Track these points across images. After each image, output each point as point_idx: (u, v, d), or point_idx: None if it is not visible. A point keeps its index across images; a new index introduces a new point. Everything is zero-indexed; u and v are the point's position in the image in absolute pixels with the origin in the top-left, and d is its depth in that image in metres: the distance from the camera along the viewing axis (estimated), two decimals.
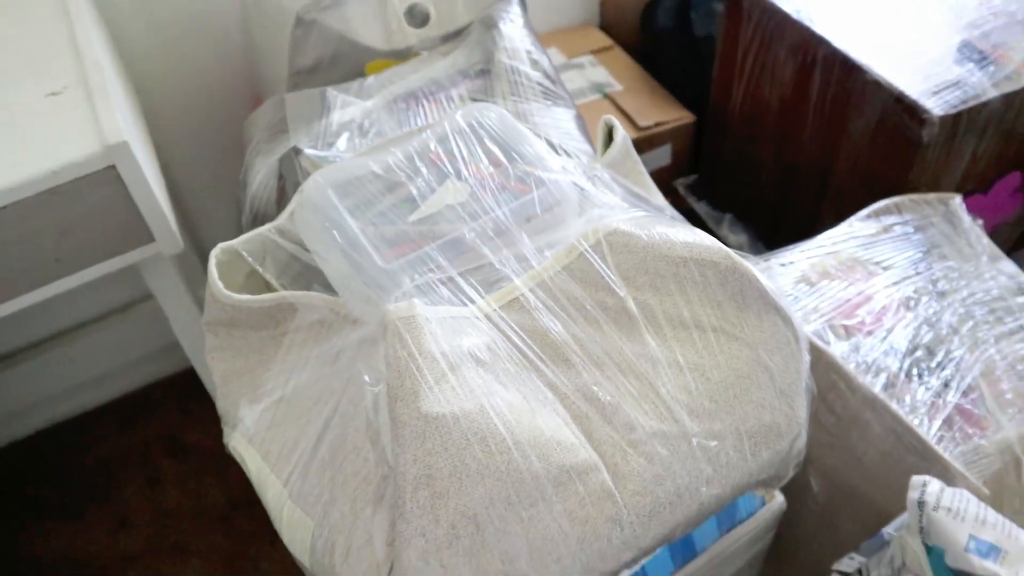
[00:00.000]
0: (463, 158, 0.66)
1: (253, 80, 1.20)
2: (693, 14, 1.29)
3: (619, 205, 0.63)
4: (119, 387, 1.58)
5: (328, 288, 0.61)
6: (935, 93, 0.91)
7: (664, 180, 1.38)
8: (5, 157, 0.72)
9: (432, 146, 0.66)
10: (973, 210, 1.05)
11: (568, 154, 0.69)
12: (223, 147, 1.30)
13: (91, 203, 0.74)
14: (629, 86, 1.37)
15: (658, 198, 0.75)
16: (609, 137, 0.71)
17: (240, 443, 0.61)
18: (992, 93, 0.92)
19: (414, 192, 0.64)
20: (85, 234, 0.76)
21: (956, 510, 0.63)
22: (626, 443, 0.51)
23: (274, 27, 1.00)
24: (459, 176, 0.65)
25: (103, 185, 0.73)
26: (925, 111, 0.89)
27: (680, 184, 1.36)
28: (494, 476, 0.48)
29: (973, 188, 1.03)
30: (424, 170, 0.65)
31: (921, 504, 0.64)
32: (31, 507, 1.46)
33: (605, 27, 1.52)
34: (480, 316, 0.55)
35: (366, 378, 0.52)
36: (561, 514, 0.49)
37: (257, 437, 0.61)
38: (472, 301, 0.56)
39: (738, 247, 1.26)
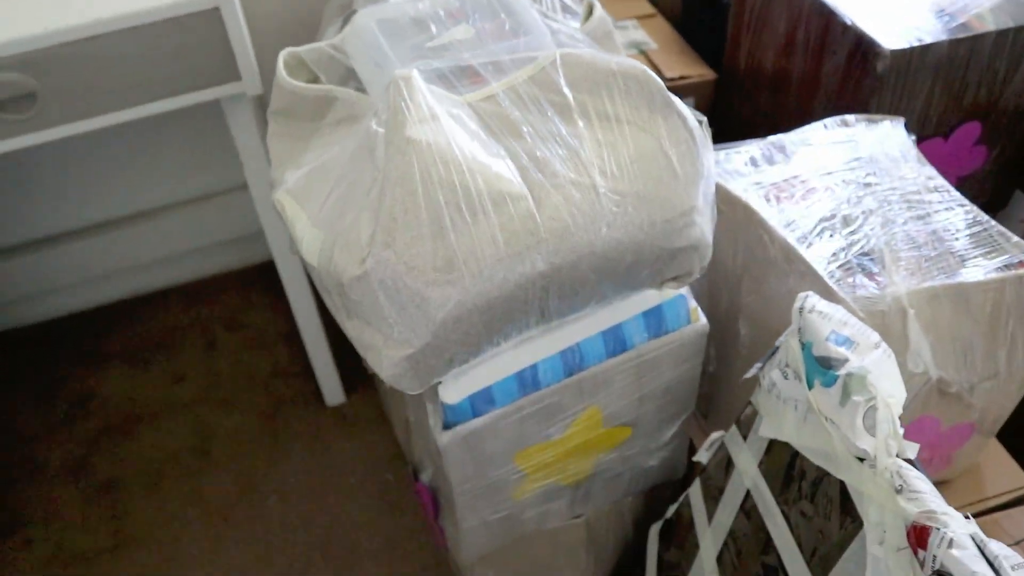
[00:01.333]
0: (473, 12, 0.87)
1: None
2: None
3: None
4: (192, 271, 1.82)
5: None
6: (893, 35, 1.08)
7: None
8: None
9: (455, 3, 0.88)
10: (934, 153, 1.21)
11: (554, 18, 0.89)
12: (305, 26, 1.49)
13: (199, 37, 0.97)
14: (663, 46, 1.56)
15: None
16: (591, 14, 0.91)
17: (283, 195, 0.83)
18: (942, 37, 1.08)
19: (434, 30, 0.85)
20: (191, 61, 0.99)
21: (825, 313, 0.80)
22: (550, 185, 0.71)
23: None
24: (469, 22, 0.86)
25: (210, 23, 0.97)
26: (880, 46, 1.06)
27: None
28: (449, 187, 0.68)
29: (933, 132, 1.19)
30: (444, 16, 0.86)
31: (800, 310, 0.81)
32: (104, 358, 1.71)
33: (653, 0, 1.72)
34: (463, 103, 0.76)
35: (373, 123, 0.73)
36: (495, 224, 0.69)
37: (294, 190, 0.82)
38: (459, 94, 0.77)
39: None
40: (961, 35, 1.08)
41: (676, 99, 0.76)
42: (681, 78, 1.49)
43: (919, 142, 1.18)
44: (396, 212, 0.67)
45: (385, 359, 0.72)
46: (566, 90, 0.75)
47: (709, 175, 0.78)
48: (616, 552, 1.17)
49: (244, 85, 1.03)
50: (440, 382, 0.80)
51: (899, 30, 1.09)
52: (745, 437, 0.91)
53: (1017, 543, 1.04)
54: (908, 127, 1.12)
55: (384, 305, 0.69)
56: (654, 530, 1.09)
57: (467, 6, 0.87)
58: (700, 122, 0.84)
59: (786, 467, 0.85)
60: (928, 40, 1.07)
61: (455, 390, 0.80)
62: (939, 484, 1.10)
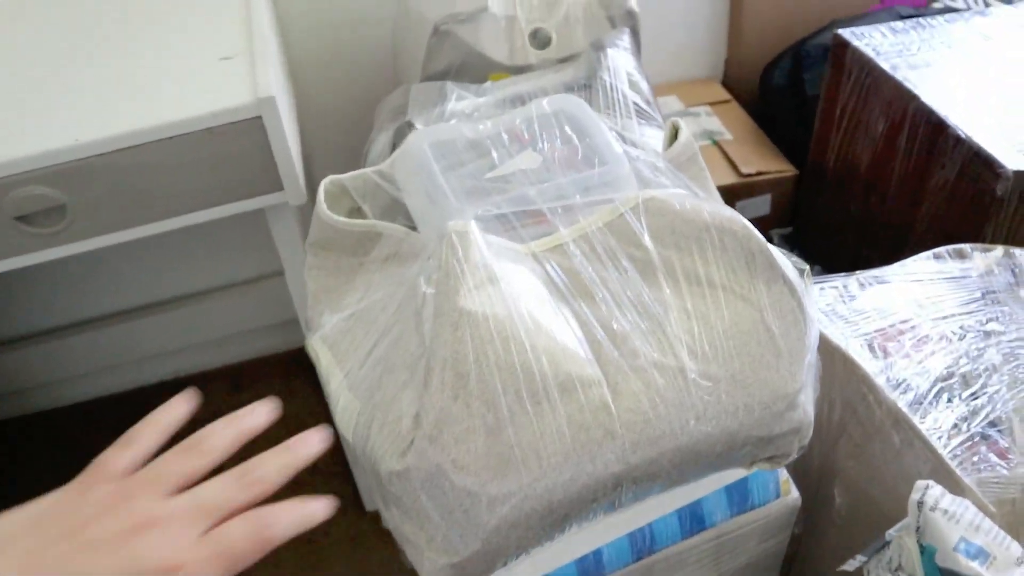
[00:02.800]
0: (541, 136, 0.76)
1: (395, 78, 1.35)
2: (806, 75, 1.37)
3: (668, 187, 0.72)
4: (234, 354, 1.74)
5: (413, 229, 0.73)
6: (1014, 151, 0.95)
7: (762, 229, 1.43)
8: (180, 102, 0.87)
9: (518, 122, 0.77)
10: None
11: (636, 146, 0.78)
12: (358, 127, 1.45)
13: (239, 147, 0.89)
14: (739, 136, 1.45)
15: (716, 198, 0.82)
16: (675, 138, 0.80)
17: (317, 343, 0.73)
18: None
19: (495, 156, 0.75)
20: (230, 172, 0.90)
21: (952, 513, 0.67)
22: (629, 367, 0.59)
23: (416, 34, 1.15)
24: (535, 149, 0.75)
25: (250, 133, 0.88)
26: (1000, 165, 0.93)
27: (775, 234, 1.42)
28: (509, 370, 0.57)
29: None
30: (507, 140, 0.76)
31: (920, 504, 0.68)
32: None
33: (727, 84, 1.61)
34: (527, 253, 0.65)
35: (421, 279, 0.62)
36: (562, 415, 0.57)
37: (330, 339, 0.72)
38: (523, 241, 0.66)
39: None
40: None
41: (780, 258, 0.64)
42: (759, 173, 1.37)
43: None
44: (444, 399, 0.56)
45: (427, 562, 0.60)
46: (649, 243, 0.64)
47: (814, 343, 0.66)
48: None
49: (287, 195, 0.94)
50: None
51: (1017, 143, 0.96)
52: None
53: None
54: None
55: (427, 507, 0.58)
56: None
57: (534, 127, 0.77)
58: (802, 271, 0.72)
59: None
60: None
61: None
62: None
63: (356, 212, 0.77)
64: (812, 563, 0.93)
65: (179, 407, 0.44)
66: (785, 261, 0.64)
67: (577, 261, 0.64)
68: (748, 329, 0.61)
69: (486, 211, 0.66)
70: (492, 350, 0.57)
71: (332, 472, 1.54)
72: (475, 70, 1.12)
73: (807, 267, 0.72)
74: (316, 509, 0.39)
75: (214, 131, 0.87)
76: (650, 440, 0.59)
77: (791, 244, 1.40)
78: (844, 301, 0.89)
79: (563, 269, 0.64)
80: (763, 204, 1.41)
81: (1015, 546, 0.66)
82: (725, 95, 1.56)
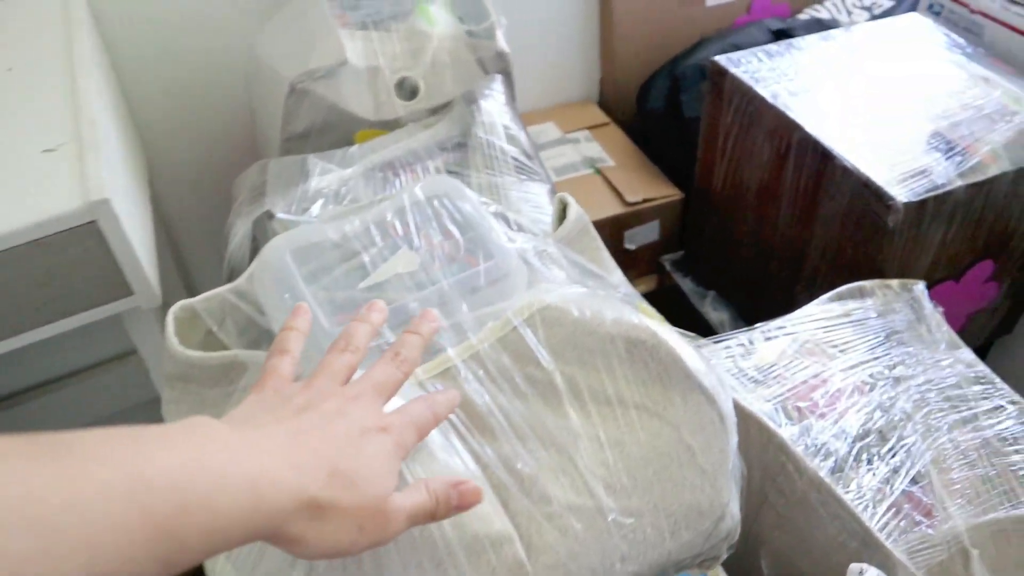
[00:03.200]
0: (417, 229, 0.68)
1: (255, 141, 1.24)
2: (683, 96, 1.33)
3: (564, 281, 0.65)
4: None
5: None
6: (902, 181, 0.94)
7: (652, 256, 1.40)
8: None
9: (389, 217, 0.69)
10: (946, 297, 1.06)
11: (522, 229, 0.72)
12: (224, 204, 1.35)
13: (73, 256, 0.78)
14: (621, 162, 1.41)
15: (615, 275, 0.77)
16: (564, 214, 0.73)
17: None
18: (958, 183, 0.93)
19: (366, 260, 0.66)
20: (66, 285, 0.79)
21: None
22: (542, 516, 0.52)
23: (271, 94, 1.05)
24: (411, 247, 0.67)
25: (85, 239, 0.77)
26: (891, 198, 0.91)
27: (667, 260, 1.38)
28: (407, 542, 0.49)
29: (944, 275, 1.05)
30: (379, 240, 0.68)
31: None
32: None
33: (604, 105, 1.56)
34: (412, 384, 0.57)
35: None
36: None
37: None
38: None
39: (719, 323, 1.27)
40: (978, 179, 0.94)
41: (693, 362, 0.58)
42: (645, 201, 1.33)
43: (931, 287, 1.04)
44: None
45: None
46: (547, 361, 0.57)
47: (735, 446, 0.61)
48: None
49: (138, 299, 0.83)
50: None
51: (906, 174, 0.95)
52: None
53: None
54: (919, 275, 0.97)
55: None
56: None
57: (408, 219, 0.69)
58: (696, 341, 0.67)
59: None
60: (943, 187, 0.93)
61: None
62: None
63: (215, 335, 0.67)
64: None
65: (302, 316, 0.55)
66: (698, 363, 0.59)
67: (470, 387, 0.57)
68: (667, 451, 0.56)
69: None
70: None
71: None
72: (339, 129, 1.03)
73: (701, 339, 0.67)
74: (455, 395, 0.53)
75: (41, 243, 0.76)
76: None
77: (683, 269, 1.37)
78: (748, 357, 0.85)
79: None
80: (652, 231, 1.37)
81: None
82: (603, 117, 1.52)
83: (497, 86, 1.01)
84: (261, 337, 0.66)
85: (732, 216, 1.21)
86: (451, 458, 0.54)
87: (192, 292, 1.42)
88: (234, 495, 0.38)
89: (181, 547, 0.36)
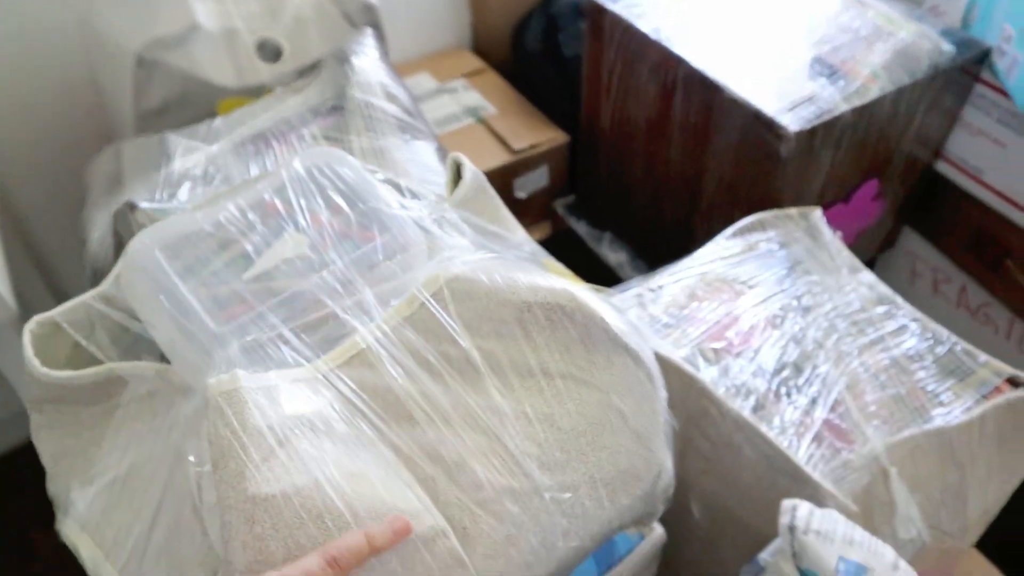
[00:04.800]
0: (301, 208, 0.62)
1: (104, 123, 1.13)
2: (561, 36, 1.29)
3: (467, 247, 0.61)
4: None
5: (162, 357, 0.57)
6: (791, 109, 0.93)
7: (543, 202, 1.37)
8: None
9: (267, 196, 0.63)
10: (836, 219, 1.07)
11: (415, 195, 0.67)
12: (82, 194, 1.24)
13: None
14: (503, 108, 1.36)
15: (517, 233, 0.73)
16: (458, 175, 0.68)
17: (72, 530, 0.56)
18: (843, 107, 0.93)
19: (249, 248, 0.60)
20: None
21: (825, 533, 0.63)
22: (474, 503, 0.49)
23: (116, 68, 0.95)
24: (297, 227, 0.61)
25: None
26: (782, 127, 0.91)
27: (559, 205, 1.36)
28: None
29: (834, 198, 1.05)
30: (259, 224, 0.61)
31: (792, 529, 0.63)
32: None
33: (478, 50, 1.51)
34: (317, 376, 0.52)
35: (191, 458, 0.48)
36: None
37: (91, 523, 0.56)
38: (308, 360, 0.53)
39: (618, 265, 1.26)
40: (862, 101, 0.94)
41: (615, 320, 0.55)
42: (532, 147, 1.30)
43: (823, 210, 1.05)
44: None
45: None
46: (462, 337, 0.53)
47: (665, 402, 0.58)
48: None
49: None
50: None
51: (794, 101, 0.94)
52: None
53: None
54: (812, 199, 0.98)
55: None
56: None
57: (289, 195, 0.63)
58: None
59: None
60: (830, 113, 0.92)
61: None
62: None
63: (84, 348, 0.60)
64: (685, 570, 0.89)
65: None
66: (619, 321, 0.56)
67: (381, 373, 0.52)
68: (598, 418, 0.53)
69: (256, 336, 0.53)
70: (304, 535, 0.45)
71: None
72: (199, 100, 0.94)
73: (608, 290, 0.65)
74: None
75: None
76: None
77: (576, 213, 1.34)
78: (657, 302, 0.83)
79: (366, 388, 0.52)
80: (541, 177, 1.34)
81: (888, 551, 0.63)
82: (479, 63, 1.46)
83: (369, 41, 0.94)
84: (138, 345, 0.59)
85: (622, 156, 1.18)
86: (371, 458, 0.49)
87: (61, 297, 1.30)
88: None
89: None
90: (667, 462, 0.58)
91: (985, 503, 0.81)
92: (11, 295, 0.75)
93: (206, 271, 0.59)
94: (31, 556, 1.39)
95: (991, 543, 0.96)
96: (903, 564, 0.63)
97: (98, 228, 0.77)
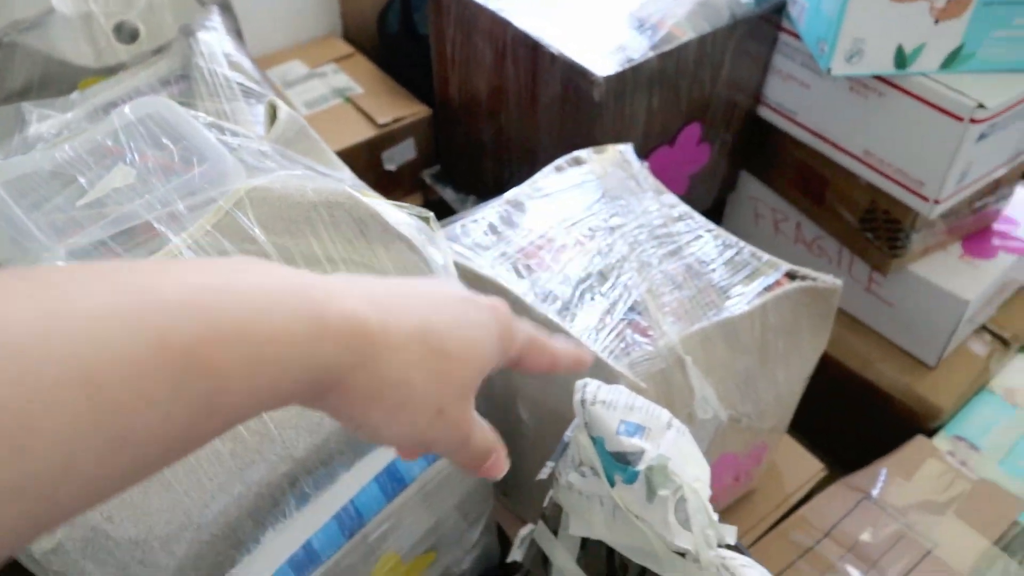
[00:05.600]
0: (131, 147, 0.71)
1: None
2: (416, 15, 1.39)
3: (276, 170, 0.70)
4: None
5: None
6: (603, 58, 1.04)
7: (413, 173, 1.46)
8: None
9: (100, 138, 0.71)
10: (663, 160, 1.19)
11: (237, 135, 0.75)
12: None
13: None
14: (369, 88, 1.45)
15: (343, 172, 0.82)
16: (275, 118, 0.78)
17: None
18: (650, 54, 1.05)
19: (83, 182, 0.68)
20: None
21: (609, 402, 0.74)
22: None
23: None
24: (126, 163, 0.70)
25: None
26: (593, 74, 1.02)
27: (426, 175, 1.45)
28: None
29: (658, 142, 1.17)
30: (92, 161, 0.70)
31: (583, 402, 0.74)
32: None
33: (348, 37, 1.60)
34: None
35: None
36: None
37: None
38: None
39: None
40: (667, 48, 1.06)
41: (395, 216, 0.65)
42: (395, 120, 1.39)
43: (649, 153, 1.16)
44: None
45: None
46: (260, 236, 0.62)
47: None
48: None
49: None
50: None
51: (607, 52, 1.05)
52: (556, 533, 0.83)
53: (827, 535, 1.06)
54: (635, 142, 1.09)
55: (97, 574, 0.54)
56: None
57: (121, 140, 0.72)
58: (426, 219, 0.74)
59: (606, 561, 0.78)
60: (637, 59, 1.04)
61: None
62: (745, 497, 1.10)
63: None
64: (521, 474, 0.99)
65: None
66: (400, 218, 0.65)
67: None
68: None
69: (79, 242, 0.61)
70: None
71: None
72: (61, 80, 1.02)
73: (430, 214, 0.74)
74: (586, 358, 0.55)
75: None
76: (309, 429, 0.59)
77: (443, 181, 1.44)
78: (487, 233, 0.93)
79: None
80: (408, 149, 1.43)
81: (664, 413, 0.74)
82: (348, 49, 1.55)
83: (215, 17, 1.03)
84: None
85: (473, 122, 1.29)
86: None
87: None
88: (285, 314, 0.29)
89: (220, 386, 0.28)
90: None
91: (777, 388, 0.93)
92: None
93: (48, 205, 0.67)
94: None
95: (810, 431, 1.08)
96: (676, 423, 0.73)
97: None
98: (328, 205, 0.63)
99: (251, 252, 0.62)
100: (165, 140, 0.72)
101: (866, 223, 1.24)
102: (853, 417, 1.36)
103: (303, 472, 0.60)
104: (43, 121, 0.89)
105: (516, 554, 0.89)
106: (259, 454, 0.56)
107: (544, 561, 0.87)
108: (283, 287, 0.30)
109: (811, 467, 1.11)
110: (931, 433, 1.23)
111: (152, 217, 0.64)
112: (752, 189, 1.43)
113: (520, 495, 1.03)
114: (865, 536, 1.04)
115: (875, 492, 1.08)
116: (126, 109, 0.73)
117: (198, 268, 0.30)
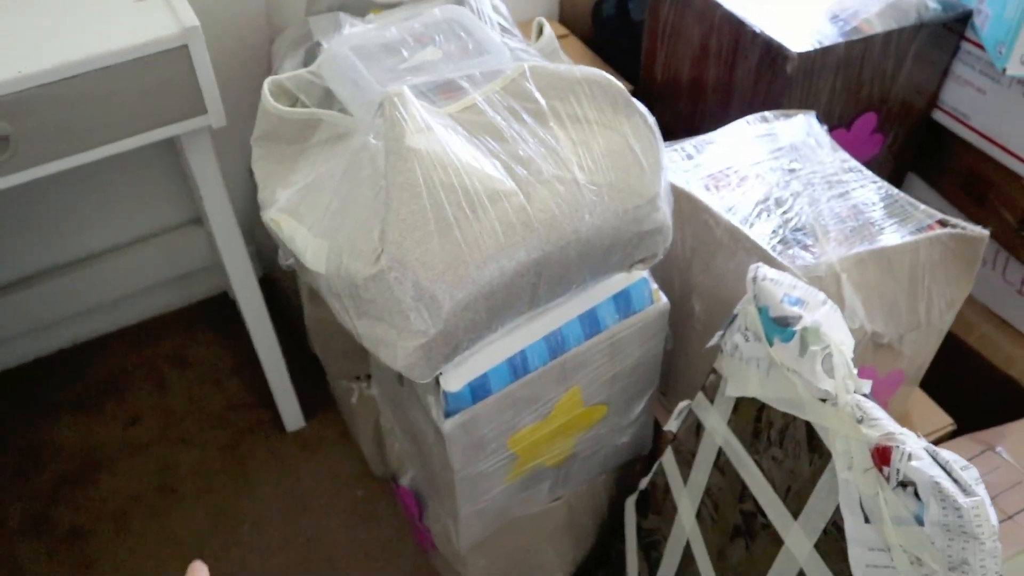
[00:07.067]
0: (438, 37, 0.95)
1: (268, 25, 1.48)
2: (631, 3, 1.61)
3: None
4: (132, 314, 1.81)
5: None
6: (798, 38, 1.22)
7: None
8: (107, 38, 0.99)
9: (417, 27, 0.95)
10: (841, 144, 1.34)
11: (514, 36, 0.98)
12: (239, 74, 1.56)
13: (167, 74, 1.02)
14: (579, 63, 1.67)
15: None
16: (541, 34, 1.00)
17: (275, 214, 0.88)
18: (840, 40, 1.22)
19: (404, 54, 0.93)
20: (160, 98, 1.03)
21: (776, 279, 0.91)
22: (536, 181, 0.79)
23: None
24: (435, 45, 0.94)
25: (177, 60, 1.01)
26: (788, 50, 1.20)
27: None
28: (450, 188, 0.76)
29: (837, 123, 1.33)
30: (411, 41, 0.94)
31: (754, 280, 0.91)
32: (52, 407, 1.68)
33: (564, 21, 1.84)
34: (445, 114, 0.83)
35: (371, 138, 0.80)
36: (493, 218, 0.77)
37: (288, 207, 0.88)
38: (439, 107, 0.84)
39: None
40: (854, 37, 1.23)
41: (636, 100, 0.86)
42: None
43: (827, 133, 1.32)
44: (404, 213, 0.74)
45: (400, 350, 0.78)
46: (539, 97, 0.84)
47: (666, 167, 0.88)
48: (595, 530, 1.25)
49: (210, 118, 1.08)
50: (441, 373, 0.87)
51: (802, 35, 1.23)
52: (712, 400, 1.00)
53: None
54: (818, 119, 1.25)
55: (400, 299, 0.75)
56: (630, 502, 1.18)
57: (432, 31, 0.96)
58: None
59: (754, 421, 0.95)
60: (827, 43, 1.21)
61: (456, 379, 0.87)
62: None
63: (296, 103, 0.93)
64: (684, 370, 1.17)
65: None
66: (639, 103, 0.86)
67: (487, 115, 0.83)
68: (618, 150, 0.83)
69: (405, 84, 0.84)
70: (436, 175, 0.76)
71: (248, 404, 1.67)
72: (354, 9, 1.29)
73: (654, 119, 0.94)
74: None
75: (145, 60, 1.00)
76: (559, 234, 0.79)
77: None
78: (683, 159, 1.12)
79: (476, 123, 0.83)
80: None
81: (821, 294, 0.90)
82: (563, 31, 1.79)
83: None
84: (331, 105, 0.91)
85: (671, 97, 1.48)
86: (476, 151, 0.80)
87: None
88: None
89: None
90: (663, 204, 0.87)
91: (918, 320, 1.07)
92: (222, 108, 1.08)
93: (378, 64, 0.92)
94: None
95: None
96: (830, 302, 0.89)
97: (289, 64, 1.11)
98: (589, 82, 0.84)
99: (530, 109, 0.83)
100: (462, 34, 0.95)
101: None
102: (989, 406, 1.45)
103: (545, 270, 0.80)
104: (353, 27, 1.15)
105: (673, 424, 1.07)
106: (523, 239, 0.77)
107: (697, 430, 1.04)
108: None
109: (941, 420, 1.22)
110: None
111: (457, 77, 0.87)
112: (917, 191, 1.55)
113: (678, 388, 1.20)
114: (986, 477, 1.15)
115: (999, 448, 1.19)
116: (436, 10, 0.98)
117: None
